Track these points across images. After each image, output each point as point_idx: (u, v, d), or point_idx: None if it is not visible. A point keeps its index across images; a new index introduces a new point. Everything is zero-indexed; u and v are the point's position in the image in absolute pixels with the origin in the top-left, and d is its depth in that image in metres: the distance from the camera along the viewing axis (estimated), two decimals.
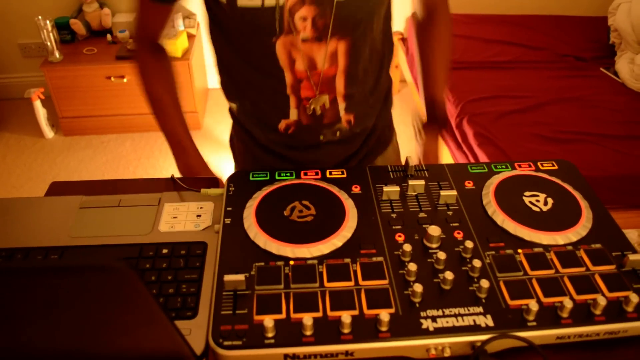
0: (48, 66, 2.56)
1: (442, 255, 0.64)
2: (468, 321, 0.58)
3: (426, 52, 1.06)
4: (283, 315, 0.59)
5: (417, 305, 0.60)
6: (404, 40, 2.86)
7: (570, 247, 0.68)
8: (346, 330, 0.57)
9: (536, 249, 0.67)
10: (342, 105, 0.92)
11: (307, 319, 0.57)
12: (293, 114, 0.91)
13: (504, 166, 0.81)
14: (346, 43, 0.84)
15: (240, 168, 1.10)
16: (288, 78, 0.87)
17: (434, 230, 0.67)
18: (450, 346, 0.57)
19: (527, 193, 0.76)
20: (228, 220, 0.71)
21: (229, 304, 0.60)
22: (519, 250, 0.67)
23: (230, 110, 1.04)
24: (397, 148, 1.15)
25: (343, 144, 0.98)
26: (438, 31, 1.04)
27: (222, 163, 2.61)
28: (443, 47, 1.05)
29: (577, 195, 0.76)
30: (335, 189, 0.75)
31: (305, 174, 0.79)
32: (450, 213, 0.73)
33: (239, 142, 1.08)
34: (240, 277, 0.61)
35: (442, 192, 0.74)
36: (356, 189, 0.76)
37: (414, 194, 0.76)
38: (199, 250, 0.73)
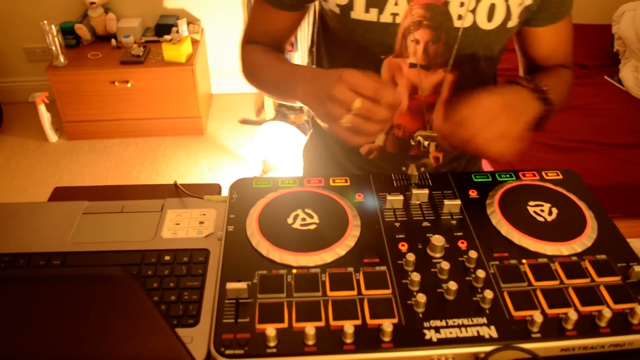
0: (53, 70, 2.57)
1: (445, 265, 0.64)
2: (472, 332, 0.58)
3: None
4: (285, 324, 0.58)
5: (421, 315, 0.60)
6: None
7: (575, 258, 0.67)
8: (349, 340, 0.57)
9: (541, 260, 0.67)
10: (432, 144, 0.88)
11: (310, 328, 0.56)
12: (379, 139, 0.89)
13: (508, 175, 0.81)
14: (454, 75, 0.82)
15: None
16: None
17: (438, 240, 0.66)
18: (454, 357, 0.57)
19: (531, 203, 0.75)
20: (231, 228, 0.71)
21: (231, 312, 0.60)
22: (523, 261, 0.66)
23: (314, 119, 1.00)
24: None
25: None
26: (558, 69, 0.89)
27: (225, 168, 2.61)
28: (562, 76, 0.88)
29: (582, 205, 0.75)
30: (338, 197, 0.75)
31: (309, 182, 0.78)
32: (454, 222, 0.72)
33: (315, 154, 1.04)
34: (243, 285, 0.61)
35: (446, 202, 0.73)
36: (359, 198, 0.76)
37: (418, 202, 0.75)
38: (201, 257, 0.72)
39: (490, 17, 0.78)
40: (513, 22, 0.80)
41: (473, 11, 0.77)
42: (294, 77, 0.79)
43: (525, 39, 0.89)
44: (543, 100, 0.77)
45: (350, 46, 0.83)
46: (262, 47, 0.91)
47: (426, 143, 0.88)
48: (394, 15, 0.76)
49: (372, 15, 0.76)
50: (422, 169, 0.92)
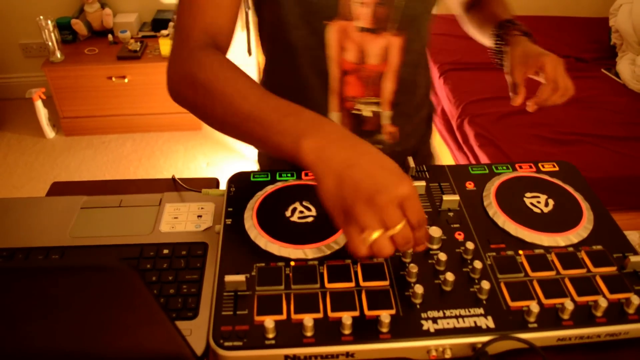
0: (49, 66, 2.56)
1: (442, 256, 0.64)
2: (469, 322, 0.58)
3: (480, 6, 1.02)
4: (284, 316, 0.59)
5: (418, 306, 0.60)
6: None
7: (571, 249, 0.68)
8: (347, 331, 0.57)
9: (537, 251, 0.67)
10: (386, 114, 0.86)
11: (308, 319, 0.57)
12: (334, 117, 0.85)
13: (504, 167, 0.81)
14: (401, 39, 0.80)
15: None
16: (333, 71, 0.80)
17: (435, 232, 0.67)
18: (451, 347, 0.57)
19: (528, 194, 0.76)
20: (229, 221, 0.71)
21: (229, 304, 0.60)
22: (520, 252, 0.67)
23: None
24: None
25: None
26: None
27: (223, 164, 2.61)
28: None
29: (578, 196, 0.76)
30: None
31: (306, 175, 0.79)
32: (451, 214, 0.72)
33: (266, 155, 0.99)
34: (241, 277, 0.61)
35: (445, 197, 0.73)
36: None
37: None
38: (199, 250, 0.73)
39: None
40: None
41: None
42: (298, 118, 0.59)
43: None
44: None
45: (291, 16, 0.77)
46: (227, 61, 0.69)
47: (368, 111, 0.84)
48: None
49: None
50: (380, 147, 0.89)
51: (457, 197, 0.73)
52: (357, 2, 0.75)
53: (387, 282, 0.63)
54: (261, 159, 1.05)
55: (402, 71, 0.84)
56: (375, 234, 0.53)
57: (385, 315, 0.57)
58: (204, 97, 0.67)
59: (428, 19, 0.84)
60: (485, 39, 0.98)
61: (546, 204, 0.74)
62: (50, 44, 2.54)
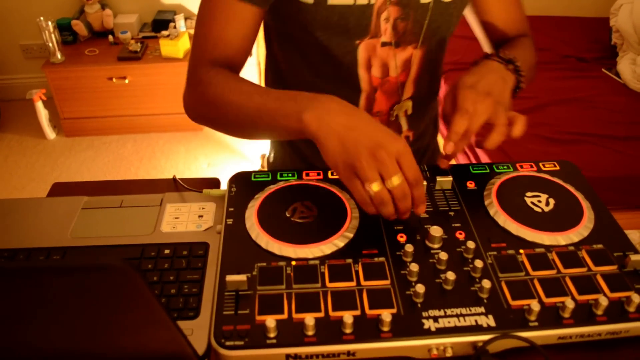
0: (50, 67, 2.56)
1: (443, 255, 0.64)
2: (470, 321, 0.59)
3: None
4: (285, 316, 0.59)
5: (419, 305, 0.60)
6: None
7: (572, 248, 0.68)
8: (348, 331, 0.57)
9: (538, 250, 0.67)
10: (403, 120, 0.90)
11: (309, 319, 0.57)
12: None
13: (505, 167, 0.81)
14: (421, 51, 0.83)
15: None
16: (365, 86, 0.84)
17: (436, 231, 0.67)
18: (452, 346, 0.57)
19: (528, 193, 0.76)
20: (230, 221, 0.71)
21: (231, 304, 0.60)
22: (521, 251, 0.67)
23: None
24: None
25: None
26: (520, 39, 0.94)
27: (224, 164, 2.61)
28: (525, 45, 0.93)
29: (579, 195, 0.76)
30: (336, 190, 0.76)
31: (307, 175, 0.79)
32: (452, 214, 0.73)
33: (282, 158, 1.02)
34: (242, 277, 0.61)
35: (439, 178, 0.75)
36: None
37: None
38: (201, 250, 0.73)
39: None
40: None
41: None
42: (297, 100, 0.67)
43: (479, 11, 0.95)
44: (515, 71, 0.81)
45: (322, 40, 0.80)
46: (231, 74, 0.76)
47: (402, 114, 0.90)
48: None
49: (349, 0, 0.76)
50: None
51: (450, 178, 0.75)
52: (384, 18, 0.78)
53: (388, 282, 0.63)
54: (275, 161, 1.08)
55: (420, 80, 0.87)
56: (375, 186, 0.61)
57: (386, 314, 0.57)
58: (216, 110, 0.76)
59: (450, 33, 0.86)
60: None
61: (547, 203, 0.74)
62: (50, 45, 2.54)
